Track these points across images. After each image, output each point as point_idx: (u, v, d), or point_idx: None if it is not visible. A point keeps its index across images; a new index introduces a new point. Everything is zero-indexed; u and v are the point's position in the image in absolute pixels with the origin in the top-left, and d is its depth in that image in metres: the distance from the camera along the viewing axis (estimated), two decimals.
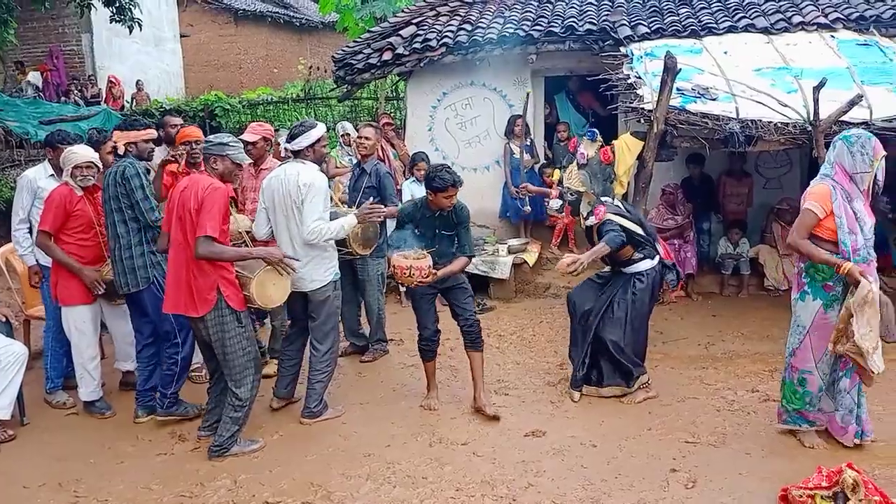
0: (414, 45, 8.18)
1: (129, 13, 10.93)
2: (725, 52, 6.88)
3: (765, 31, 7.36)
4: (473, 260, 4.66)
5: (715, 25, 7.52)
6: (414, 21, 8.80)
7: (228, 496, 3.86)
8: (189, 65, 19.15)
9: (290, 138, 4.52)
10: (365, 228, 4.83)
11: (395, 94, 11.88)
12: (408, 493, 3.81)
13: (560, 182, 7.61)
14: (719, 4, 8.20)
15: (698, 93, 5.97)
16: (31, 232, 5.10)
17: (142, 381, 4.80)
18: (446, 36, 8.12)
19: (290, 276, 4.30)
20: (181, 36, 18.48)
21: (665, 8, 8.29)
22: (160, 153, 5.28)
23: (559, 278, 7.71)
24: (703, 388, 5.11)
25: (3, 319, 4.87)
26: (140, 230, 4.60)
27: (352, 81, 8.63)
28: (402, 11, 9.44)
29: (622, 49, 7.28)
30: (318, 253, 4.46)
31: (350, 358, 5.89)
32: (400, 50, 8.19)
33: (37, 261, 5.12)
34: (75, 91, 13.93)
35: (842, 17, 7.36)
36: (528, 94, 7.72)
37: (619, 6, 8.44)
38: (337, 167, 8.14)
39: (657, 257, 5.01)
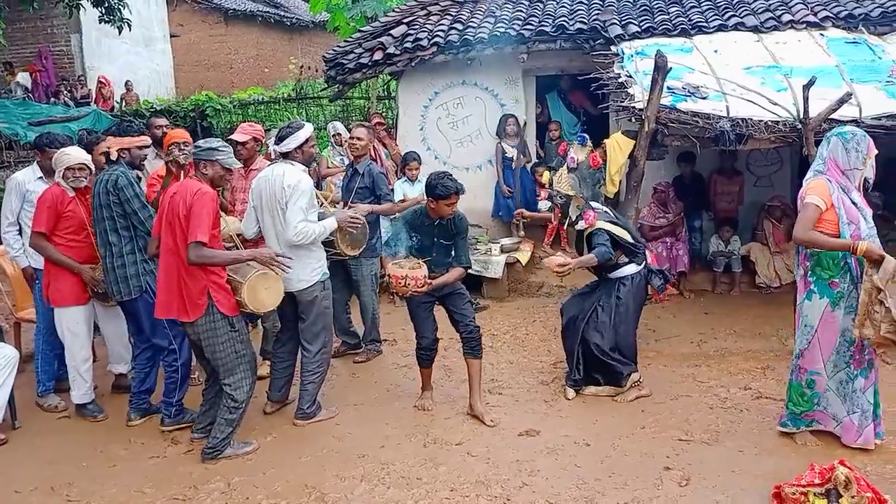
0: (405, 45, 8.17)
1: (119, 13, 10.89)
2: (715, 51, 6.90)
3: (754, 29, 7.39)
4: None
5: (705, 24, 7.55)
6: (405, 20, 8.78)
7: (222, 499, 3.85)
8: (179, 65, 19.07)
9: (279, 140, 4.50)
10: (353, 231, 4.81)
11: (386, 93, 11.87)
12: (402, 494, 3.81)
13: (550, 184, 7.64)
14: (709, 3, 8.23)
15: (689, 91, 5.98)
16: (20, 234, 5.08)
17: (137, 384, 4.78)
18: (437, 35, 8.12)
19: (282, 278, 4.28)
20: (171, 36, 18.38)
21: (655, 7, 8.30)
22: (149, 157, 5.26)
23: (552, 277, 7.68)
24: (695, 385, 5.13)
25: None
26: (132, 238, 4.57)
27: (343, 81, 8.61)
28: (393, 11, 9.43)
29: (613, 48, 7.29)
30: (305, 253, 4.45)
31: (343, 358, 5.89)
32: (391, 49, 8.17)
33: (30, 264, 5.10)
34: (65, 92, 13.84)
35: (831, 15, 7.39)
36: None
37: (609, 5, 8.45)
38: (329, 167, 8.14)
39: (644, 262, 5.06)
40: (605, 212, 5.13)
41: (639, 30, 7.54)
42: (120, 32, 11.30)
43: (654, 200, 7.42)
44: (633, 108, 5.91)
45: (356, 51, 8.46)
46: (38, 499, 3.94)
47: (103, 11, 10.86)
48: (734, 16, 7.64)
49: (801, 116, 5.35)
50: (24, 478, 4.14)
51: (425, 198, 6.89)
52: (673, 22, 7.66)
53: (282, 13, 22.78)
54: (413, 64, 8.19)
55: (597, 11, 8.18)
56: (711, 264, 7.51)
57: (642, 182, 6.03)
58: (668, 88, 5.83)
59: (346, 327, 6.04)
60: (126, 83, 15.11)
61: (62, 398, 5.07)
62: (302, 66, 16.33)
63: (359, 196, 5.63)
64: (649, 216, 7.36)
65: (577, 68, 7.89)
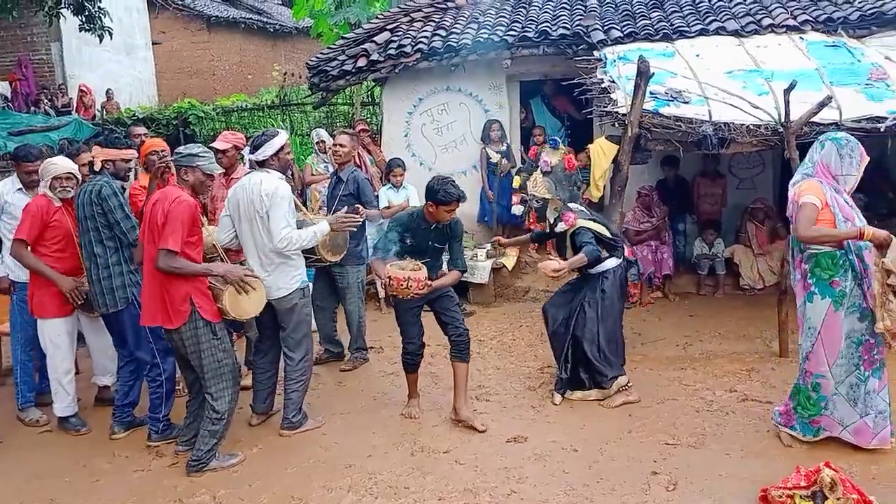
0: (389, 51, 8.17)
1: (99, 22, 10.78)
2: (697, 55, 6.95)
3: (735, 33, 7.45)
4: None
5: (686, 28, 7.60)
6: (388, 27, 8.78)
7: None
8: (161, 72, 18.94)
9: (254, 149, 4.46)
10: (335, 235, 4.78)
11: (370, 99, 11.85)
12: None
13: (521, 188, 7.66)
14: (690, 7, 8.29)
15: (671, 96, 6.02)
16: (0, 245, 5.02)
17: (121, 397, 4.73)
18: (421, 42, 8.12)
19: (262, 287, 4.25)
20: (153, 43, 18.27)
21: (637, 12, 8.36)
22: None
23: (538, 282, 7.74)
24: (681, 389, 5.14)
25: None
26: (118, 249, 4.53)
27: (326, 88, 8.58)
28: (377, 17, 9.43)
29: (595, 53, 7.33)
30: (284, 261, 4.41)
31: (329, 367, 5.86)
32: (375, 56, 8.17)
33: (7, 275, 5.04)
34: (45, 101, 13.71)
35: (810, 19, 7.48)
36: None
37: (591, 10, 8.49)
38: (313, 174, 8.11)
39: (622, 255, 5.13)
40: (583, 210, 5.19)
41: (621, 35, 7.58)
42: (101, 41, 11.20)
43: (639, 204, 7.45)
44: (617, 113, 5.95)
45: (339, 58, 8.44)
46: None
47: (83, 20, 10.74)
48: (715, 20, 7.70)
49: (783, 120, 5.39)
50: (6, 493, 4.07)
51: (409, 204, 6.92)
52: (655, 27, 7.71)
53: (265, 19, 22.69)
54: (397, 70, 8.18)
55: (579, 17, 8.22)
56: (696, 267, 7.55)
57: (626, 186, 6.06)
58: (651, 93, 5.86)
59: (332, 335, 6.01)
60: (107, 91, 14.98)
61: (44, 412, 5.00)
62: (285, 73, 16.24)
63: (343, 203, 5.60)
64: (634, 220, 7.40)
65: (560, 73, 7.93)
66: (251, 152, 4.51)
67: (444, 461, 4.22)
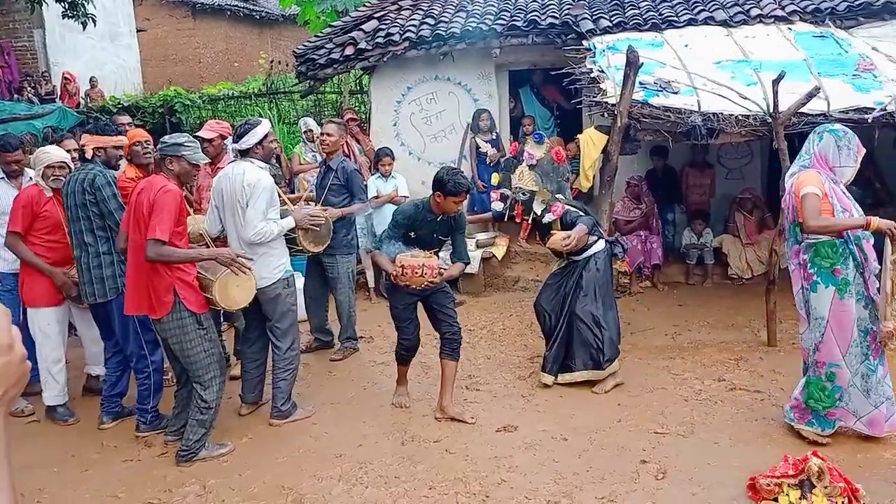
0: (377, 40, 8.11)
1: (83, 9, 10.65)
2: (686, 45, 6.95)
3: (724, 23, 7.46)
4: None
5: (675, 18, 7.60)
6: (376, 15, 8.71)
7: (197, 502, 3.80)
8: (146, 60, 18.74)
9: (237, 138, 4.42)
10: (314, 227, 4.77)
11: (359, 87, 11.78)
12: (381, 494, 3.79)
13: (499, 185, 7.63)
14: None
15: (660, 86, 6.02)
16: None
17: (108, 387, 4.70)
18: (409, 30, 8.07)
19: (252, 276, 4.23)
20: (138, 30, 18.05)
21: (626, 1, 8.34)
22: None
23: (528, 271, 7.76)
24: (670, 378, 5.17)
25: None
26: (108, 239, 4.48)
27: (314, 77, 8.51)
28: (364, 5, 9.34)
29: (584, 43, 7.31)
30: (266, 251, 4.39)
31: (319, 357, 5.85)
32: (362, 45, 8.11)
33: None
34: (29, 88, 13.52)
35: (798, 9, 7.50)
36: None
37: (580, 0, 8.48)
38: (301, 164, 8.06)
39: (605, 238, 5.22)
40: (569, 202, 5.29)
41: (610, 24, 7.57)
42: (84, 28, 11.05)
43: (628, 194, 7.47)
44: (606, 103, 5.95)
45: (327, 46, 8.37)
46: None
47: (66, 7, 10.61)
48: (704, 10, 7.70)
49: (771, 110, 5.41)
50: None
51: (398, 193, 6.89)
52: (644, 16, 7.70)
53: (251, 6, 22.47)
54: (385, 59, 8.13)
55: (568, 6, 8.19)
56: (684, 256, 7.59)
57: (616, 176, 6.06)
58: (640, 83, 5.86)
59: (323, 325, 6.00)
60: (91, 79, 14.80)
61: (30, 402, 4.96)
62: (272, 61, 16.11)
63: (332, 193, 5.58)
64: (623, 210, 7.42)
65: (549, 63, 7.91)
66: (234, 141, 4.47)
67: (435, 450, 4.23)
